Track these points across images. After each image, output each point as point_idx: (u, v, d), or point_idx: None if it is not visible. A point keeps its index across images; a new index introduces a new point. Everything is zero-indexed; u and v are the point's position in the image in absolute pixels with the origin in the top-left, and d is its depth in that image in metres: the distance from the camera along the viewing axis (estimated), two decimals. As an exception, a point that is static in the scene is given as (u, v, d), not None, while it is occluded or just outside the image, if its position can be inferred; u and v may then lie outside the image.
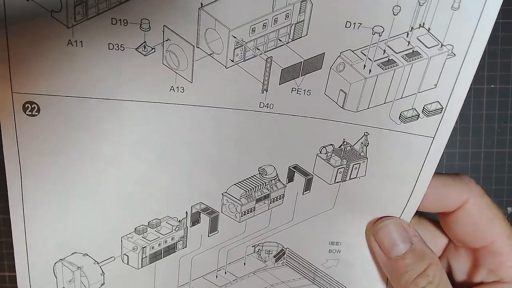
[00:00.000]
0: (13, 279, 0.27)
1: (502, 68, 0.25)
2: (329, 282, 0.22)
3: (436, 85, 0.17)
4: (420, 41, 0.16)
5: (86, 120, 0.18)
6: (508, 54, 0.25)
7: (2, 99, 0.17)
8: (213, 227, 0.21)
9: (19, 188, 0.19)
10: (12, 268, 0.27)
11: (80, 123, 0.18)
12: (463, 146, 0.27)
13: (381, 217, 0.20)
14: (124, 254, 0.21)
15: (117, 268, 0.21)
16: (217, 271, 0.22)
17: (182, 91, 0.18)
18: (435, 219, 0.23)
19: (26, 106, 0.18)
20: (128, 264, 0.21)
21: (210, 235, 0.21)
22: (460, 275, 0.21)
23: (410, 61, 0.17)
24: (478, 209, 0.19)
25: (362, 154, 0.19)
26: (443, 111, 0.18)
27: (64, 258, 0.20)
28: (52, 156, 0.18)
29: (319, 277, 0.22)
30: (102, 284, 0.21)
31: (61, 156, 0.18)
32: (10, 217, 0.23)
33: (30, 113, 0.18)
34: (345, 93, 0.18)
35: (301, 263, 0.22)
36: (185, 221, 0.20)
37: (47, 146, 0.18)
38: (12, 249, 0.27)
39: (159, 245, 0.21)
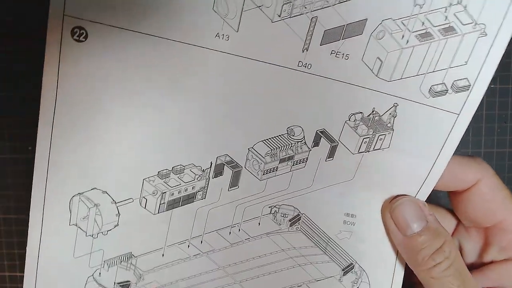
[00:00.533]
0: (13, 279, 0.28)
1: (502, 68, 0.26)
2: (340, 254, 0.22)
3: (466, 62, 0.18)
4: (457, 17, 0.18)
5: (129, 54, 0.18)
6: (508, 55, 0.27)
7: (52, 21, 0.18)
8: (234, 182, 0.21)
9: (52, 111, 0.19)
10: (12, 268, 0.28)
11: (124, 56, 0.18)
12: (464, 146, 0.27)
13: (397, 196, 0.21)
14: (143, 197, 0.21)
15: (133, 211, 0.21)
16: (231, 227, 0.22)
17: (227, 39, 0.19)
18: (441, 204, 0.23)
19: (74, 30, 0.18)
20: (145, 208, 0.21)
21: (230, 189, 0.21)
22: (471, 255, 0.22)
23: (445, 35, 0.18)
24: (490, 188, 0.20)
25: (389, 125, 0.20)
26: (470, 88, 0.19)
27: (83, 192, 0.20)
28: (89, 86, 0.19)
29: (331, 247, 0.22)
30: (115, 226, 0.21)
31: (98, 87, 0.19)
32: (10, 217, 0.24)
33: (78, 38, 0.18)
34: (381, 61, 0.19)
35: (315, 231, 0.22)
36: (209, 171, 0.21)
37: (86, 75, 0.19)
38: (12, 249, 0.27)
39: (179, 192, 0.21)
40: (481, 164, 0.21)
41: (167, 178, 0.21)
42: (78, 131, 0.19)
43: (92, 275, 0.22)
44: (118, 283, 0.22)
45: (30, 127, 0.26)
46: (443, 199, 0.23)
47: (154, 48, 0.18)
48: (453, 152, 0.20)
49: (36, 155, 0.20)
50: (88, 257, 0.21)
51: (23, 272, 0.25)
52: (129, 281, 0.22)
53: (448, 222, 0.22)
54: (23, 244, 0.21)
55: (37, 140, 0.19)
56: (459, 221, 0.23)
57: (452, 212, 0.23)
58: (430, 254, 0.20)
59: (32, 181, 0.20)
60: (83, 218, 0.21)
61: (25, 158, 0.26)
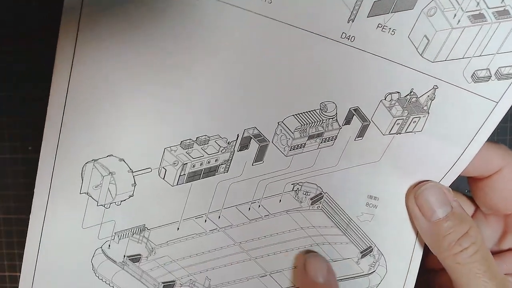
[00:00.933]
0: (13, 279, 0.27)
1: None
2: (360, 236, 0.22)
3: (514, 49, 0.18)
4: (513, 0, 0.17)
5: (170, 10, 0.17)
6: None
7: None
8: (259, 156, 0.20)
9: (68, 69, 0.17)
10: (12, 268, 0.27)
11: (162, 10, 0.17)
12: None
13: (422, 181, 0.21)
14: (163, 167, 0.19)
15: (150, 182, 0.19)
16: (252, 203, 0.21)
17: (270, 2, 0.17)
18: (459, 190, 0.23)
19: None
20: (163, 178, 0.19)
21: (254, 164, 0.20)
22: (488, 242, 0.22)
23: (498, 19, 0.17)
24: None
25: (425, 108, 0.19)
26: (513, 76, 0.19)
27: (98, 159, 0.18)
28: (110, 48, 0.17)
29: (351, 229, 0.22)
30: (130, 196, 0.19)
31: (127, 40, 0.17)
32: (10, 217, 0.22)
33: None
34: (428, 40, 0.18)
35: (336, 211, 0.22)
36: (234, 144, 0.19)
37: (107, 35, 0.17)
38: (12, 249, 0.27)
39: (201, 164, 0.20)
40: (506, 151, 0.21)
41: (189, 149, 0.19)
42: (96, 93, 0.17)
43: (101, 247, 0.20)
44: (128, 257, 0.21)
45: (30, 127, 0.26)
46: (461, 185, 0.23)
47: (186, 8, 0.17)
48: (485, 141, 0.20)
49: (47, 114, 0.18)
50: (98, 228, 0.20)
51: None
52: (140, 255, 0.21)
53: (466, 209, 0.22)
54: (23, 244, 0.20)
55: (50, 99, 0.17)
56: (477, 208, 0.23)
57: (470, 198, 0.23)
58: (456, 239, 0.19)
59: (30, 182, 0.19)
60: (96, 187, 0.19)
61: (25, 158, 0.26)
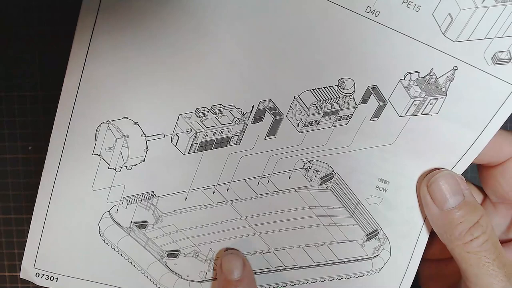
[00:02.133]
0: (13, 279, 0.27)
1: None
2: (367, 219, 0.22)
3: (537, 32, 0.18)
4: (541, -18, 0.17)
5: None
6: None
7: None
8: (272, 130, 0.20)
9: (90, 30, 0.17)
10: (12, 268, 0.27)
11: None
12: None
13: (434, 169, 0.21)
14: (176, 134, 0.19)
15: (162, 148, 0.19)
16: (261, 178, 0.21)
17: (294, -29, 0.17)
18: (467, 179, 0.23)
19: None
20: (175, 146, 0.19)
21: (267, 138, 0.20)
22: (497, 231, 0.22)
23: (525, 0, 0.17)
24: None
25: (443, 89, 0.19)
26: (534, 61, 0.18)
27: (113, 120, 0.19)
28: (131, 12, 0.17)
29: (359, 211, 0.22)
30: (141, 161, 0.19)
31: (146, 7, 0.17)
32: (10, 217, 0.23)
33: None
34: (452, 18, 0.18)
35: (345, 192, 0.21)
36: (248, 115, 0.19)
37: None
38: (12, 249, 0.27)
39: (213, 134, 0.20)
40: None
41: (204, 117, 0.19)
42: (116, 56, 0.17)
43: (109, 211, 0.20)
44: (135, 223, 0.21)
45: (30, 127, 0.25)
46: (468, 174, 0.23)
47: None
48: (500, 126, 0.20)
49: (66, 71, 0.18)
50: (107, 191, 0.20)
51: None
52: (146, 222, 0.21)
53: (475, 197, 0.22)
54: (23, 244, 0.20)
55: (70, 57, 0.17)
56: (485, 197, 0.23)
57: (478, 187, 0.23)
58: (468, 228, 0.19)
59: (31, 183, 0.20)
60: (109, 149, 0.19)
61: (25, 158, 0.26)
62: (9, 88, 0.25)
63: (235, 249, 0.22)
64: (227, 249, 0.22)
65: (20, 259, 0.26)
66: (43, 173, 0.19)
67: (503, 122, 0.19)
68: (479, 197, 0.22)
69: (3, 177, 0.26)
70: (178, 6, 0.17)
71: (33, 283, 0.26)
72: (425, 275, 0.24)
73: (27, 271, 0.21)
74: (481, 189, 0.23)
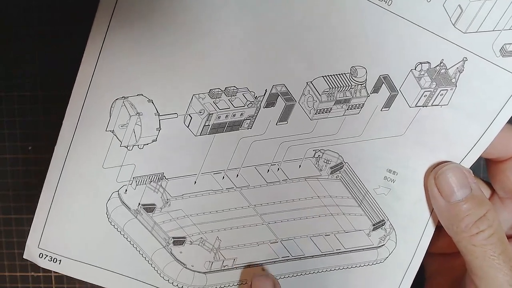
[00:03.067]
0: (13, 279, 0.27)
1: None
2: (374, 209, 0.22)
3: (544, 25, 0.18)
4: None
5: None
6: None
7: None
8: (284, 116, 0.20)
9: (112, 8, 0.18)
10: (12, 268, 0.27)
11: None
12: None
13: (442, 162, 0.21)
14: (189, 114, 0.19)
15: (174, 128, 0.20)
16: (271, 165, 0.21)
17: (311, -40, 0.18)
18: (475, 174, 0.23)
19: None
20: (188, 126, 0.20)
21: (278, 123, 0.20)
22: (504, 226, 0.21)
23: (532, -7, 0.18)
24: None
25: (453, 80, 0.20)
26: (542, 53, 0.19)
27: (128, 97, 0.19)
28: None
29: (367, 201, 0.21)
30: (153, 140, 0.20)
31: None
32: (10, 217, 0.23)
33: None
34: (462, 9, 0.18)
35: (354, 182, 0.21)
36: (261, 99, 0.20)
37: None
38: (12, 249, 0.27)
39: (226, 116, 0.20)
40: None
41: (217, 99, 0.20)
42: (134, 35, 0.18)
43: (118, 190, 0.20)
44: (143, 205, 0.21)
45: (30, 127, 0.26)
46: (476, 169, 0.23)
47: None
48: (508, 118, 0.20)
49: (86, 49, 0.18)
50: (118, 170, 0.20)
51: (24, 272, 0.25)
52: (154, 205, 0.21)
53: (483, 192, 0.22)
54: (23, 244, 0.20)
55: (90, 34, 0.18)
56: (493, 191, 0.22)
57: (486, 182, 0.23)
58: (474, 221, 0.19)
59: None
60: (122, 126, 0.19)
61: (25, 158, 0.26)
62: (9, 88, 0.25)
63: (266, 271, 0.22)
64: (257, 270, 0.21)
65: (20, 259, 0.27)
66: (55, 147, 0.19)
67: (511, 115, 0.20)
68: (487, 192, 0.22)
69: (3, 177, 0.26)
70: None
71: (32, 284, 0.26)
72: (431, 268, 0.24)
73: (30, 251, 0.20)
74: (489, 184, 0.22)
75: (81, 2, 0.18)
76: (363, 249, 0.22)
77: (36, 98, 0.25)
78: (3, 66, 0.25)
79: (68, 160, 0.19)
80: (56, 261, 0.21)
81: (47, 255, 0.21)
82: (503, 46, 0.19)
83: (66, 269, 0.21)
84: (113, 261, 0.21)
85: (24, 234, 0.25)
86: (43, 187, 0.20)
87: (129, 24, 0.18)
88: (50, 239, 0.20)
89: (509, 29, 0.18)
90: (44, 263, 0.21)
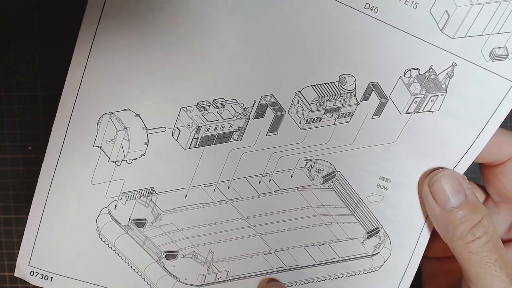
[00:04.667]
0: (13, 279, 0.27)
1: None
2: (368, 217, 0.21)
3: (532, 28, 0.18)
4: (533, -20, 0.18)
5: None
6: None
7: None
8: (274, 127, 0.20)
9: (96, 21, 0.18)
10: (12, 268, 0.27)
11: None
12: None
13: (436, 168, 0.21)
14: (177, 127, 0.19)
15: (163, 142, 0.19)
16: (262, 176, 0.21)
17: (296, -31, 0.18)
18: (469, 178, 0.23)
19: None
20: (176, 140, 0.19)
21: (268, 134, 0.20)
22: (499, 231, 0.21)
23: (518, -3, 0.18)
24: None
25: (443, 86, 0.19)
26: (531, 57, 0.19)
27: (115, 112, 0.19)
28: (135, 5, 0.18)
29: (360, 209, 0.21)
30: (142, 155, 0.19)
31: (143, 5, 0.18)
32: (10, 217, 0.23)
33: None
34: (449, 15, 0.18)
35: (347, 191, 0.21)
36: (250, 110, 0.19)
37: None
38: (13, 249, 0.27)
39: (215, 129, 0.20)
40: None
41: (205, 111, 0.19)
42: (119, 48, 0.18)
43: (107, 206, 0.20)
44: (134, 220, 0.21)
45: (30, 127, 0.26)
46: (470, 174, 0.23)
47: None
48: (501, 122, 0.20)
49: (71, 65, 0.18)
50: (106, 185, 0.20)
51: None
52: (145, 220, 0.21)
53: (477, 196, 0.22)
54: None
55: (75, 50, 0.18)
56: (487, 196, 0.22)
57: (481, 186, 0.23)
58: (469, 228, 0.19)
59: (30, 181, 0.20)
60: (110, 141, 0.19)
61: (25, 158, 0.26)
62: (9, 88, 0.25)
63: (277, 281, 0.21)
64: (269, 280, 0.21)
65: None
66: (43, 164, 0.19)
67: (503, 119, 0.19)
68: (481, 196, 0.22)
69: (3, 177, 0.26)
70: (181, 3, 0.18)
71: (32, 284, 0.26)
72: (427, 273, 0.23)
73: (21, 269, 0.20)
74: (483, 188, 0.22)
75: (81, 2, 0.18)
76: (357, 257, 0.22)
77: (36, 98, 0.25)
78: (3, 66, 0.25)
79: (56, 178, 0.19)
80: (47, 278, 0.21)
81: (38, 273, 0.20)
82: (492, 50, 0.19)
83: (58, 286, 0.21)
84: (106, 277, 0.21)
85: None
86: (32, 203, 0.19)
87: (114, 39, 0.18)
88: (40, 256, 0.20)
89: (498, 33, 0.18)
90: (35, 281, 0.21)
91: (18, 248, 0.26)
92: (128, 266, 0.21)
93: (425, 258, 0.22)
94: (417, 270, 0.22)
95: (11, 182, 0.26)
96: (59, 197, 0.19)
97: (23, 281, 0.23)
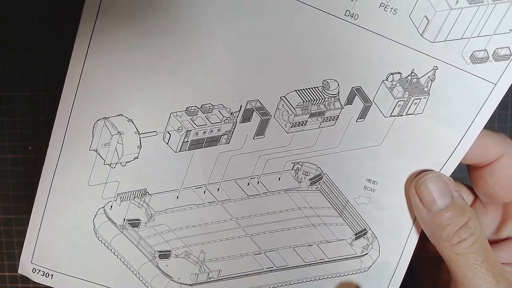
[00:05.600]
0: (13, 279, 0.27)
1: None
2: (355, 218, 0.22)
3: (511, 30, 0.18)
4: (510, -17, 0.18)
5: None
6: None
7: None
8: (261, 130, 0.21)
9: (89, 36, 0.19)
10: (12, 268, 0.28)
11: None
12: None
13: (423, 171, 0.21)
14: (168, 131, 0.20)
15: (155, 145, 0.20)
16: (251, 178, 0.21)
17: (277, -20, 0.19)
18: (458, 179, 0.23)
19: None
20: (167, 143, 0.20)
21: (255, 137, 0.21)
22: (487, 231, 0.21)
23: (495, 0, 0.18)
24: None
25: (425, 89, 0.20)
26: (510, 58, 0.18)
27: (109, 117, 0.20)
28: (127, 19, 0.19)
29: (347, 211, 0.22)
30: (135, 158, 0.20)
31: (136, 17, 0.19)
32: (10, 217, 0.23)
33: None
34: (428, 20, 0.18)
35: (334, 193, 0.21)
36: (237, 115, 0.20)
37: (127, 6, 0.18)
38: (12, 249, 0.27)
39: (204, 133, 0.21)
40: (505, 139, 0.20)
41: (194, 116, 0.20)
42: (112, 56, 0.19)
43: (103, 207, 0.21)
44: (128, 220, 0.22)
45: (30, 127, 0.26)
46: (459, 174, 0.23)
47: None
48: (484, 124, 0.20)
49: (67, 73, 0.19)
50: (102, 187, 0.21)
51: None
52: (139, 220, 0.22)
53: (465, 197, 0.22)
54: (23, 244, 0.21)
55: (71, 59, 0.19)
56: (476, 197, 0.22)
57: (469, 187, 0.23)
58: (456, 230, 0.19)
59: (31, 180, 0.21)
60: (105, 145, 0.20)
61: (25, 158, 0.26)
62: (9, 88, 0.25)
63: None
64: None
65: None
66: (43, 168, 0.20)
67: (486, 120, 0.20)
68: (469, 197, 0.22)
69: (3, 177, 0.26)
70: (168, 13, 0.19)
71: (32, 284, 0.26)
72: (421, 273, 0.24)
73: (24, 266, 0.21)
74: (471, 189, 0.22)
75: (81, 2, 0.18)
76: (346, 258, 0.22)
77: (36, 98, 0.25)
78: (3, 66, 0.25)
79: (56, 179, 0.20)
80: (48, 275, 0.22)
81: (39, 270, 0.22)
82: (472, 53, 0.19)
83: (58, 283, 0.22)
84: (103, 275, 0.22)
85: (24, 234, 0.25)
86: (34, 204, 0.21)
87: (108, 48, 0.19)
88: (42, 254, 0.21)
89: (478, 37, 0.19)
90: (37, 278, 0.22)
91: (18, 248, 0.27)
92: (123, 265, 0.22)
93: (418, 258, 0.22)
94: (411, 270, 0.22)
95: (11, 182, 0.26)
96: (59, 198, 0.21)
97: (23, 281, 0.24)
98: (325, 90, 0.20)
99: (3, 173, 0.26)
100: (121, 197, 0.21)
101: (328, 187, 0.22)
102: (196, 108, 0.20)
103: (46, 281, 0.22)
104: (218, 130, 0.21)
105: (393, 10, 0.19)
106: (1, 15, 0.24)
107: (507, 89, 0.19)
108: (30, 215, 0.21)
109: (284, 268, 0.22)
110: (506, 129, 0.26)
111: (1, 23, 0.24)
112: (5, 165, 0.26)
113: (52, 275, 0.22)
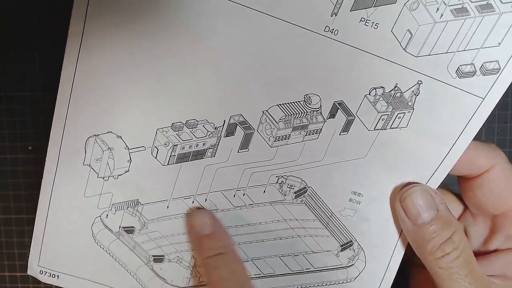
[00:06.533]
0: (13, 279, 0.28)
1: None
2: (341, 231, 0.22)
3: (499, 43, 0.17)
4: (498, -6, 0.17)
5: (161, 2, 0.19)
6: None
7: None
8: (244, 144, 0.21)
9: (76, 55, 0.20)
10: (12, 268, 0.28)
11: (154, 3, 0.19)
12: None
13: (409, 183, 0.21)
14: (155, 146, 0.21)
15: (144, 159, 0.21)
16: (237, 190, 0.22)
17: (255, -4, 0.18)
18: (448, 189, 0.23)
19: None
20: (155, 157, 0.21)
21: (240, 151, 0.21)
22: (475, 242, 0.21)
23: (482, 12, 0.17)
24: (504, 175, 0.19)
25: (409, 103, 0.19)
26: (499, 72, 0.18)
27: (99, 134, 0.21)
28: (113, 38, 0.19)
29: (333, 223, 0.22)
30: (126, 171, 0.22)
31: (122, 37, 0.19)
32: (10, 217, 0.24)
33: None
34: (411, 34, 0.18)
35: (319, 205, 0.22)
36: (221, 129, 0.21)
37: (113, 25, 0.19)
38: (12, 249, 0.27)
39: (189, 147, 0.21)
40: (496, 150, 0.20)
41: (180, 131, 0.21)
42: (100, 75, 0.20)
43: (100, 216, 0.22)
44: (123, 227, 0.23)
45: (30, 127, 0.26)
46: (450, 184, 0.22)
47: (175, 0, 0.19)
48: (472, 137, 0.19)
49: (58, 94, 0.20)
50: (97, 198, 0.22)
51: (23, 272, 0.26)
52: (133, 227, 0.23)
53: (455, 208, 0.22)
54: (23, 244, 0.21)
55: (60, 79, 0.20)
56: (466, 207, 0.22)
57: (459, 197, 0.22)
58: (439, 244, 0.19)
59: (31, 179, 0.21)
60: (97, 160, 0.21)
61: (25, 158, 0.26)
62: (9, 88, 0.25)
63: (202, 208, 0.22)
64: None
65: (20, 259, 0.27)
66: (42, 182, 0.22)
67: (474, 135, 0.19)
68: (459, 207, 0.22)
69: (3, 177, 0.26)
70: (151, 32, 0.19)
71: (32, 284, 0.28)
72: (415, 279, 0.23)
73: (33, 268, 0.24)
74: (462, 199, 0.22)
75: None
76: (332, 269, 0.22)
77: (36, 98, 0.25)
78: (3, 66, 0.25)
79: (54, 192, 0.22)
80: (54, 276, 0.24)
81: (46, 272, 0.24)
82: (458, 68, 0.18)
83: (64, 283, 0.24)
84: (104, 276, 0.24)
85: (24, 234, 0.26)
86: (37, 212, 0.22)
87: (96, 67, 0.20)
88: (47, 257, 0.23)
89: (464, 50, 0.18)
90: (44, 279, 0.24)
91: (18, 248, 0.27)
92: (122, 268, 0.23)
93: (412, 265, 0.22)
94: (402, 277, 0.22)
95: (11, 182, 0.27)
96: (58, 209, 0.22)
97: (23, 281, 0.25)
98: (307, 105, 0.20)
99: (3, 173, 0.26)
100: (115, 207, 0.22)
101: (313, 199, 0.22)
102: (181, 124, 0.21)
103: (53, 281, 0.24)
104: (203, 144, 0.21)
105: (374, 24, 0.18)
106: (1, 15, 0.24)
107: (496, 103, 0.18)
108: (30, 215, 0.22)
109: (271, 275, 0.23)
110: (506, 129, 0.25)
111: (1, 23, 0.24)
112: (5, 165, 0.26)
113: (58, 276, 0.24)
